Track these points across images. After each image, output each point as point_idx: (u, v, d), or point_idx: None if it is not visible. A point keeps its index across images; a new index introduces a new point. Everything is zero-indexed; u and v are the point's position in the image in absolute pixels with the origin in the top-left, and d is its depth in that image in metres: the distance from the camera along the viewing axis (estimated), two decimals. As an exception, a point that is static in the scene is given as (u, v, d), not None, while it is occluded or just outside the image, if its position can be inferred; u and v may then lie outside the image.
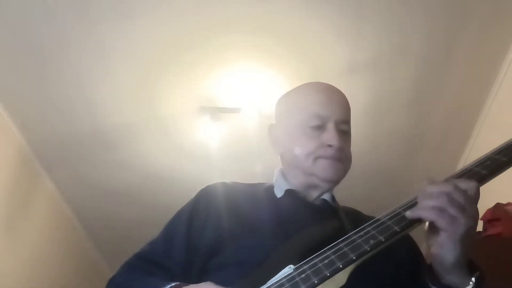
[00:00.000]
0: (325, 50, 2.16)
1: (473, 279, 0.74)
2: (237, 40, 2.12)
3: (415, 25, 2.05)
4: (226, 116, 2.54)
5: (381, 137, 2.67)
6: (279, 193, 0.98)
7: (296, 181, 0.97)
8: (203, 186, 1.01)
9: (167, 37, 2.09)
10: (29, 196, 2.80)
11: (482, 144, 2.52)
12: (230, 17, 2.00)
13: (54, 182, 3.01)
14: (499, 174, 0.79)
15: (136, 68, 2.23)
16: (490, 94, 2.36)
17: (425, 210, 0.73)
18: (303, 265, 0.73)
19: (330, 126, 0.94)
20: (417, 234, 0.85)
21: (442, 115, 2.54)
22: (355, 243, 0.73)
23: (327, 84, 1.02)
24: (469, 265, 0.76)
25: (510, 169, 0.80)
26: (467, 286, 0.74)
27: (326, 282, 0.70)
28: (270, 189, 1.01)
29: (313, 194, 0.97)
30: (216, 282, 0.74)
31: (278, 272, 0.74)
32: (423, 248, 0.89)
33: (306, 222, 0.87)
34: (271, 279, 0.73)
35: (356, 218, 0.91)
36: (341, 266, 0.71)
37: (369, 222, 0.77)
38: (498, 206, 1.68)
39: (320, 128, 0.95)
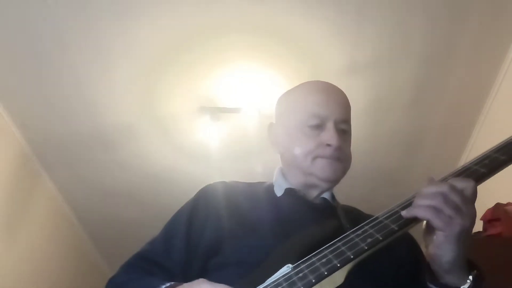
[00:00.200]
0: (325, 50, 2.16)
1: (470, 277, 0.74)
2: (237, 40, 2.12)
3: (415, 25, 2.05)
4: (226, 116, 2.54)
5: (381, 137, 2.67)
6: (279, 192, 0.98)
7: (296, 181, 0.97)
8: (203, 186, 1.01)
9: (167, 37, 2.09)
10: (29, 196, 2.80)
11: (482, 144, 2.52)
12: (230, 17, 2.00)
13: (54, 182, 3.01)
14: (497, 172, 0.79)
15: (136, 69, 2.24)
16: (490, 94, 2.36)
17: (420, 209, 0.73)
18: (300, 264, 0.73)
19: (329, 126, 0.94)
20: (417, 234, 0.85)
21: (442, 115, 2.54)
22: (352, 241, 0.74)
23: (327, 83, 1.02)
24: (468, 265, 0.76)
25: (510, 168, 0.80)
26: (464, 285, 0.74)
27: (324, 281, 0.70)
28: (270, 188, 1.01)
29: (313, 193, 0.97)
30: (216, 281, 0.73)
31: (276, 272, 0.74)
32: (423, 247, 0.89)
33: (306, 221, 0.87)
34: (269, 279, 0.73)
35: (356, 217, 0.91)
36: (338, 265, 0.71)
37: (367, 221, 0.77)
38: (498, 206, 1.68)
39: (319, 127, 0.94)
